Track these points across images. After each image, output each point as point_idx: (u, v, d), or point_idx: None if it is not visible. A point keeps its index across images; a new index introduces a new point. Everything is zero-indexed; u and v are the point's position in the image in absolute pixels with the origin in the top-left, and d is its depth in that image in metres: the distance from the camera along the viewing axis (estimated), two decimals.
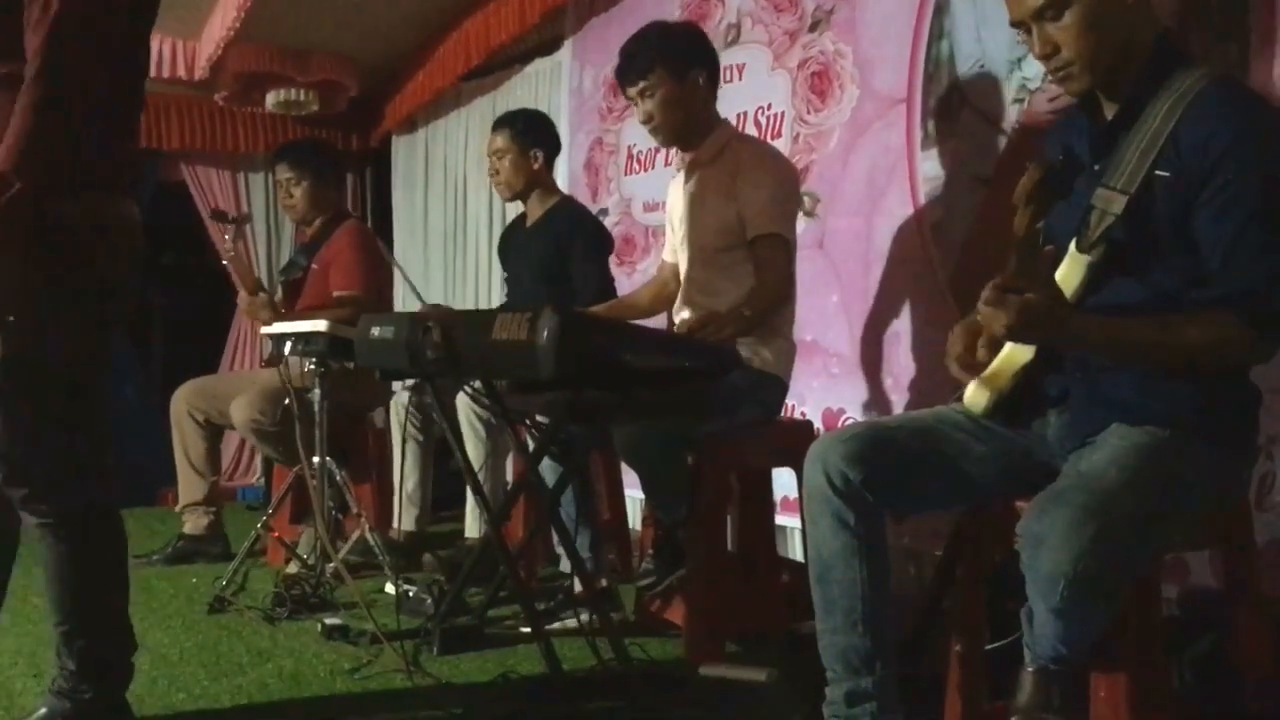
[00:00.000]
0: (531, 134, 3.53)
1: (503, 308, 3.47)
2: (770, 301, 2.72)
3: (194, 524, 4.02)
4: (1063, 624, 1.55)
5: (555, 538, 3.08)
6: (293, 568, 3.40)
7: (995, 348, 1.84)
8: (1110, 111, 1.79)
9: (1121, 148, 1.72)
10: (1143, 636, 1.67)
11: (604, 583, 2.98)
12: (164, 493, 5.34)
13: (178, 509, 4.07)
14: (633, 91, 2.80)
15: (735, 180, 2.75)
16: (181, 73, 5.34)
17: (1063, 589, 1.47)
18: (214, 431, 4.04)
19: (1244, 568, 1.84)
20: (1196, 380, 1.68)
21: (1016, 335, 1.66)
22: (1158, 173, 1.66)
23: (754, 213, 2.71)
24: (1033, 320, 1.60)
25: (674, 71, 2.75)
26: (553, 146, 3.62)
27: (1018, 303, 1.58)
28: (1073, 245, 1.74)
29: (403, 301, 5.93)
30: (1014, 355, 1.84)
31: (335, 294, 3.88)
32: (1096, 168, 1.76)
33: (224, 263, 3.83)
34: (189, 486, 4.02)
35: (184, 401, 4.00)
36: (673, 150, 3.01)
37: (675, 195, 3.02)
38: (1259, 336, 1.63)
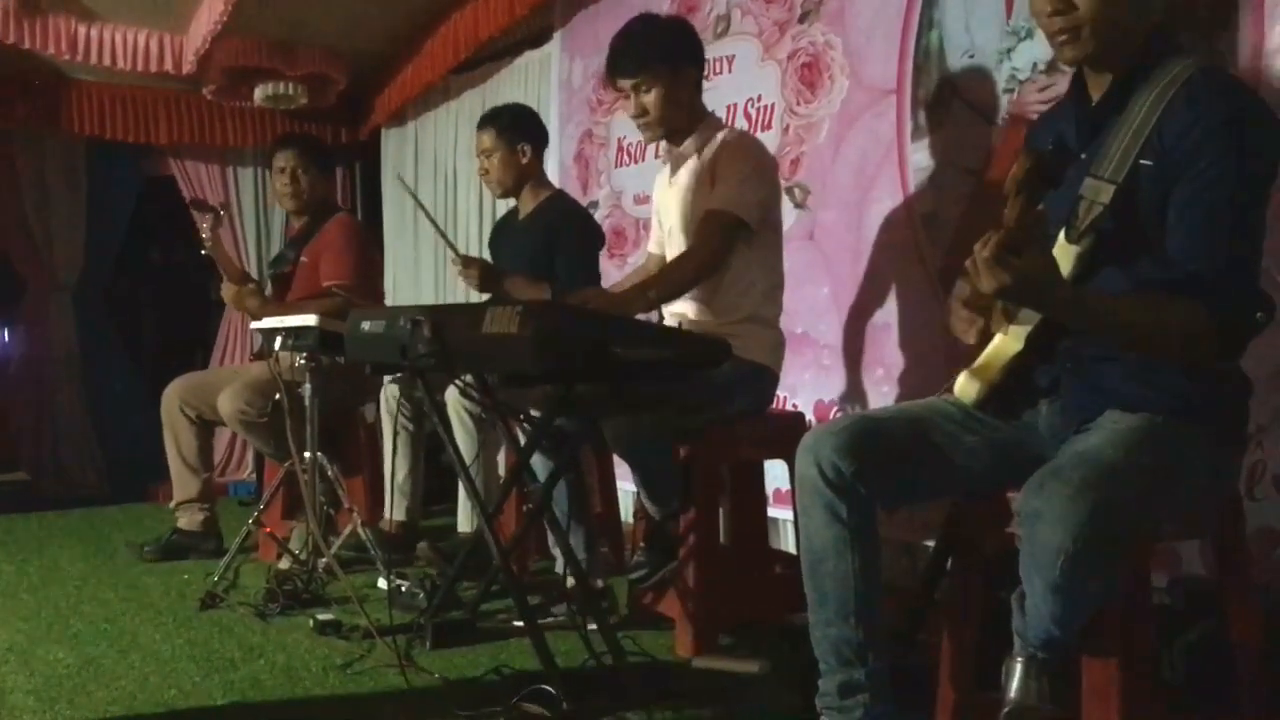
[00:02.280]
0: (517, 129, 3.52)
1: (491, 300, 3.46)
2: (688, 275, 2.70)
3: (188, 520, 4.01)
4: (1059, 601, 1.54)
5: (550, 534, 3.07)
6: (285, 563, 3.39)
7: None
8: (1097, 94, 1.78)
9: (1109, 136, 1.72)
10: (1133, 625, 1.67)
11: (600, 583, 2.98)
12: (154, 488, 5.33)
13: (171, 506, 4.06)
14: (625, 85, 2.80)
15: (715, 171, 2.75)
16: (169, 67, 5.31)
17: (1061, 563, 1.47)
18: (206, 427, 4.03)
19: (1235, 556, 1.85)
20: (1188, 369, 1.69)
21: (1009, 294, 1.59)
22: (1142, 162, 1.67)
23: (714, 194, 2.71)
24: (1029, 282, 1.55)
25: (667, 67, 2.75)
26: (540, 139, 3.61)
27: (1018, 264, 1.52)
28: (1061, 235, 1.74)
29: (393, 294, 5.93)
30: (1004, 346, 1.85)
31: (325, 284, 3.88)
32: (1084, 155, 1.76)
33: (203, 252, 3.83)
34: (182, 483, 4.01)
35: (176, 398, 3.99)
36: (660, 143, 3.00)
37: (661, 188, 3.03)
38: (1217, 326, 1.62)
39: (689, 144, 2.84)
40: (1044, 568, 1.50)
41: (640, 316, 3.01)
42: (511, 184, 3.55)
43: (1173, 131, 1.65)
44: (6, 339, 6.84)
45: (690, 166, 2.85)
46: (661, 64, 2.75)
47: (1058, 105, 2.00)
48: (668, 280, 2.74)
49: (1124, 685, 1.63)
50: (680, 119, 2.82)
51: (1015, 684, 1.67)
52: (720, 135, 2.82)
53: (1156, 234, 1.68)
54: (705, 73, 2.93)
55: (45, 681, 2.54)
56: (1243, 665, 1.82)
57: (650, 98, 2.78)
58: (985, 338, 1.86)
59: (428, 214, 3.49)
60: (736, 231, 2.70)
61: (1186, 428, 1.67)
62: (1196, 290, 1.62)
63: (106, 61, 5.17)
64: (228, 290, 3.95)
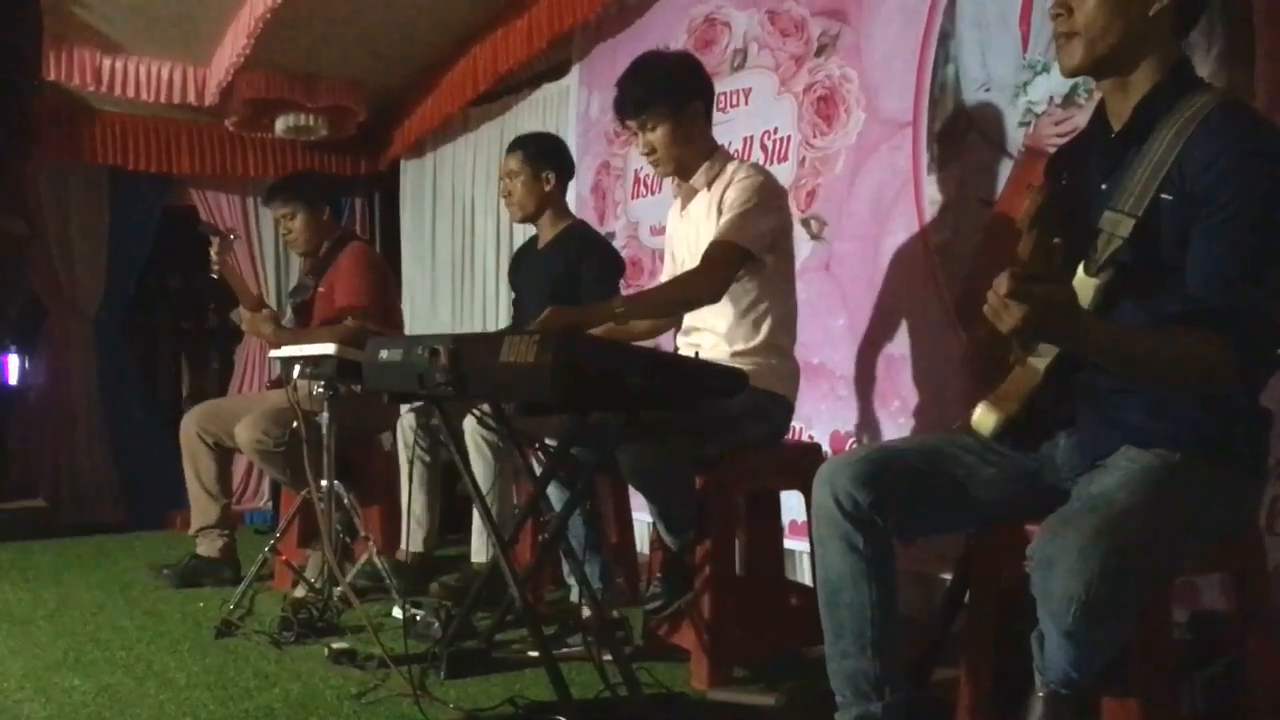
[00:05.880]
0: (544, 157, 3.56)
1: (509, 330, 3.48)
2: (680, 296, 2.73)
3: (208, 546, 4.02)
4: (1074, 647, 1.54)
5: (565, 564, 3.07)
6: (300, 592, 3.39)
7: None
8: (1118, 125, 1.79)
9: (1130, 169, 1.72)
10: (1153, 661, 1.66)
11: (616, 614, 2.97)
12: (172, 515, 5.35)
13: (191, 533, 4.07)
14: (632, 125, 2.83)
15: (723, 203, 2.77)
16: (191, 99, 5.39)
17: (1074, 611, 1.46)
18: (224, 454, 4.05)
19: (1255, 591, 1.84)
20: (1206, 403, 1.68)
21: (1029, 329, 1.52)
22: (1163, 196, 1.67)
23: (720, 224, 2.73)
24: (1047, 313, 1.51)
25: (674, 104, 2.77)
26: (565, 170, 3.65)
27: (1036, 293, 1.48)
28: (1081, 269, 1.74)
29: (411, 323, 5.95)
30: (1023, 378, 1.84)
31: (337, 307, 3.92)
32: (1104, 187, 1.77)
33: (212, 275, 3.87)
34: (201, 510, 4.03)
35: (194, 424, 4.01)
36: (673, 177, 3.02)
37: (673, 221, 3.04)
38: (1236, 361, 1.61)
39: (699, 177, 2.86)
40: (1057, 615, 1.49)
41: (657, 345, 3.03)
42: (532, 209, 3.58)
43: (1193, 166, 1.65)
44: (27, 366, 6.88)
45: (701, 199, 2.87)
46: (666, 102, 2.77)
47: (1077, 138, 2.00)
48: (664, 293, 2.76)
49: None
50: (689, 154, 2.84)
51: (1036, 719, 1.66)
52: (730, 168, 2.84)
53: (1176, 268, 1.67)
54: (719, 105, 2.95)
55: (61, 709, 2.55)
56: (1263, 701, 1.80)
57: (657, 135, 2.80)
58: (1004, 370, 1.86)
59: None
60: (740, 261, 2.70)
61: (1204, 464, 1.66)
62: (1216, 325, 1.61)
63: (130, 93, 5.26)
64: (243, 315, 3.99)
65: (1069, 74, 1.82)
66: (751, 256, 2.70)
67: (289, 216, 4.17)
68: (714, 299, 2.71)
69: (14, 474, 6.44)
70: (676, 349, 2.95)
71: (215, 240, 3.93)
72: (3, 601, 3.75)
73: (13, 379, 7.64)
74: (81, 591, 3.94)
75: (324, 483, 3.36)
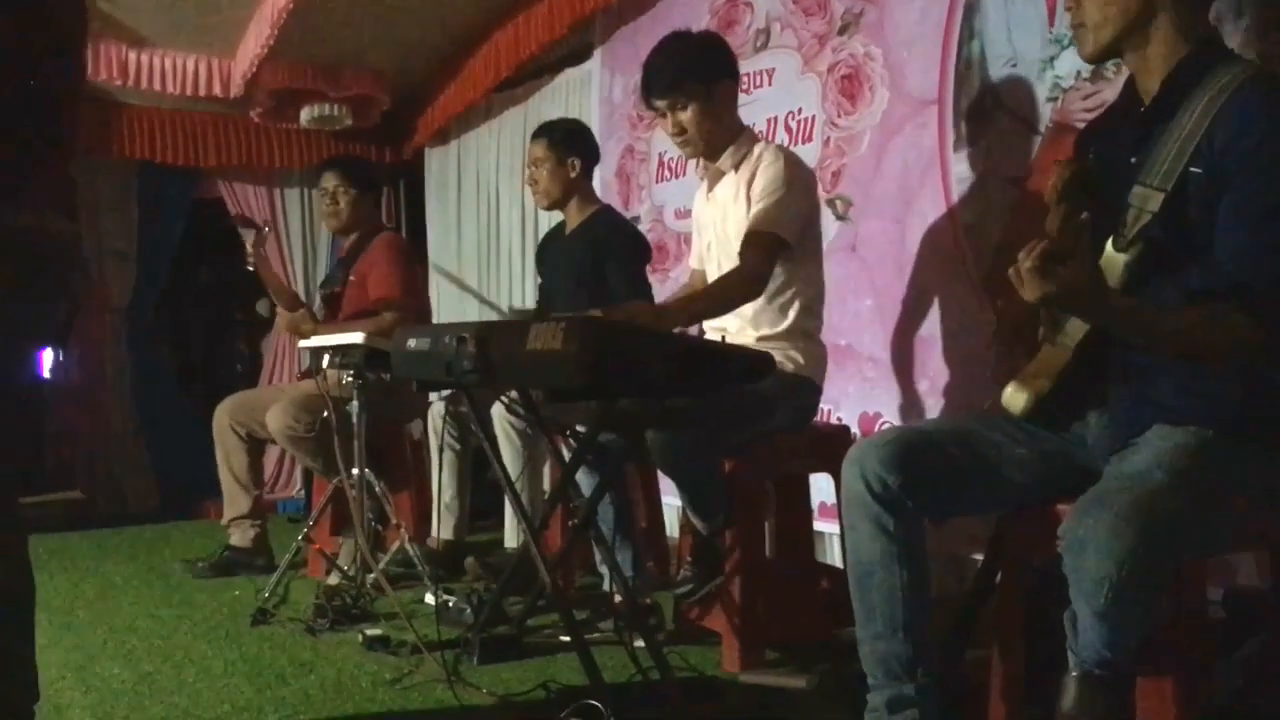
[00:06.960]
0: (568, 143, 3.56)
1: (535, 315, 3.49)
2: (732, 296, 2.70)
3: (241, 536, 4.06)
4: (1107, 627, 1.53)
5: (596, 551, 3.08)
6: (333, 579, 3.43)
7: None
8: (1147, 98, 1.77)
9: (1159, 143, 1.70)
10: (1188, 640, 1.65)
11: (649, 601, 2.98)
12: (205, 505, 5.40)
13: (224, 522, 4.12)
14: (661, 105, 2.81)
15: (751, 187, 2.76)
16: (217, 91, 5.42)
17: (1107, 592, 1.46)
18: (256, 445, 4.08)
19: None
20: (1238, 380, 1.66)
21: (1052, 302, 1.61)
22: (1192, 170, 1.65)
23: (753, 214, 2.72)
24: (1073, 291, 1.56)
25: (703, 83, 2.76)
26: (590, 156, 3.64)
27: (1062, 273, 1.54)
28: (1109, 244, 1.73)
29: (438, 312, 5.97)
30: (1053, 356, 1.83)
31: (373, 298, 3.93)
32: (1134, 161, 1.75)
33: (249, 268, 3.90)
34: (234, 500, 4.07)
35: (225, 416, 4.05)
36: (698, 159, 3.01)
37: (700, 204, 3.03)
38: (1264, 335, 1.60)
39: (726, 159, 2.84)
40: (1090, 595, 1.49)
41: (683, 331, 3.02)
42: (558, 196, 3.58)
43: (1223, 139, 1.63)
44: (60, 360, 6.96)
45: (728, 182, 2.85)
46: (696, 81, 2.76)
47: (1107, 112, 1.98)
48: (711, 298, 2.75)
49: (1180, 701, 1.61)
50: (719, 134, 2.82)
51: (1070, 700, 1.65)
52: (757, 149, 2.82)
53: (1205, 243, 1.65)
54: (744, 85, 2.93)
55: (101, 698, 2.58)
56: None
57: (687, 115, 2.78)
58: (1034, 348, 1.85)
59: None
60: (779, 251, 2.70)
61: (1236, 443, 1.64)
62: (1244, 299, 1.59)
63: (157, 86, 5.30)
64: (283, 318, 4.03)
65: (1087, 61, 1.84)
66: (786, 244, 2.70)
67: (341, 191, 4.16)
68: (759, 293, 2.70)
69: (51, 466, 6.52)
70: (702, 334, 2.94)
71: (251, 234, 3.96)
72: (42, 592, 3.76)
73: (47, 373, 7.72)
74: (119, 581, 3.99)
75: (355, 471, 3.38)
